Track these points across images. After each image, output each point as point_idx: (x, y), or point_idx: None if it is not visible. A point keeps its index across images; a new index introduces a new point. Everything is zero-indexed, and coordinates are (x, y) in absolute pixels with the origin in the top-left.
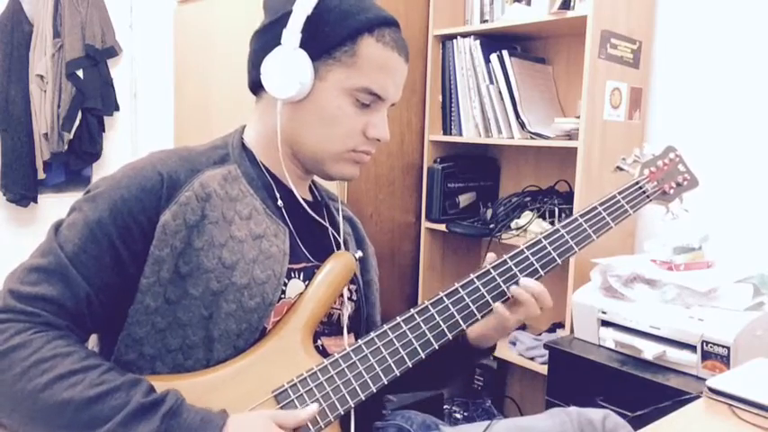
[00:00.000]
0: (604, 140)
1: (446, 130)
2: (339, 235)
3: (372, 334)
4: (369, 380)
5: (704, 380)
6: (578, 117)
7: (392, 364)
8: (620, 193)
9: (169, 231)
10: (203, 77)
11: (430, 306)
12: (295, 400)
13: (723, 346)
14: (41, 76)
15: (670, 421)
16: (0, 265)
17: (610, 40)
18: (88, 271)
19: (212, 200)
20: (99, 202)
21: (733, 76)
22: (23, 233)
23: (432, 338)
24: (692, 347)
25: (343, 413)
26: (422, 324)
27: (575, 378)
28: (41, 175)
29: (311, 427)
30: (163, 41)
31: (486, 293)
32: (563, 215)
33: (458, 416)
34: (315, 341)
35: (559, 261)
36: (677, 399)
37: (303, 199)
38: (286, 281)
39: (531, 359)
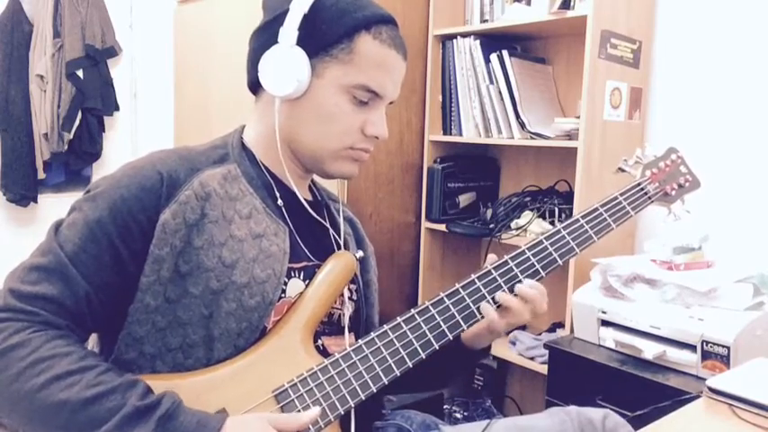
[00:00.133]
0: (604, 140)
1: (446, 130)
2: (339, 235)
3: (373, 334)
4: (369, 380)
5: (704, 380)
6: (578, 117)
7: (392, 365)
8: (621, 194)
9: (169, 230)
10: (203, 77)
11: (430, 306)
12: (295, 400)
13: (723, 346)
14: (41, 76)
15: (670, 421)
16: (0, 264)
17: (610, 40)
18: (88, 270)
19: (212, 199)
20: (99, 201)
21: (733, 75)
22: (23, 233)
23: (432, 339)
24: (692, 347)
25: (343, 413)
26: (422, 324)
27: (575, 378)
28: (41, 175)
29: (311, 426)
30: (163, 41)
31: (486, 294)
32: (563, 215)
33: (458, 416)
34: (315, 341)
35: (560, 262)
36: (677, 398)
37: (303, 198)
38: (286, 280)
39: (531, 359)
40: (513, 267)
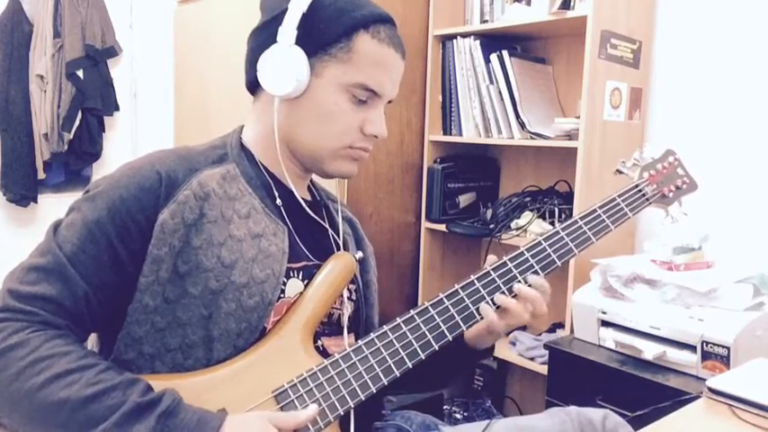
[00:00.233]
0: (604, 141)
1: (446, 130)
2: (338, 235)
3: (372, 334)
4: (369, 380)
5: (704, 380)
6: (578, 117)
7: (392, 365)
8: (619, 195)
9: (167, 230)
10: (203, 77)
11: (430, 307)
12: (295, 401)
13: (723, 347)
14: (41, 76)
15: (670, 421)
16: (0, 264)
17: (610, 40)
18: (87, 270)
19: (211, 199)
20: (97, 201)
21: (733, 75)
22: (23, 233)
23: (432, 339)
24: (692, 347)
25: (342, 413)
26: (422, 325)
27: (575, 378)
28: (41, 175)
29: (311, 427)
30: (163, 41)
31: (486, 295)
32: (563, 215)
33: (458, 416)
34: (315, 341)
35: (559, 263)
36: (677, 399)
37: (302, 198)
38: (285, 280)
39: (531, 359)
40: (513, 268)
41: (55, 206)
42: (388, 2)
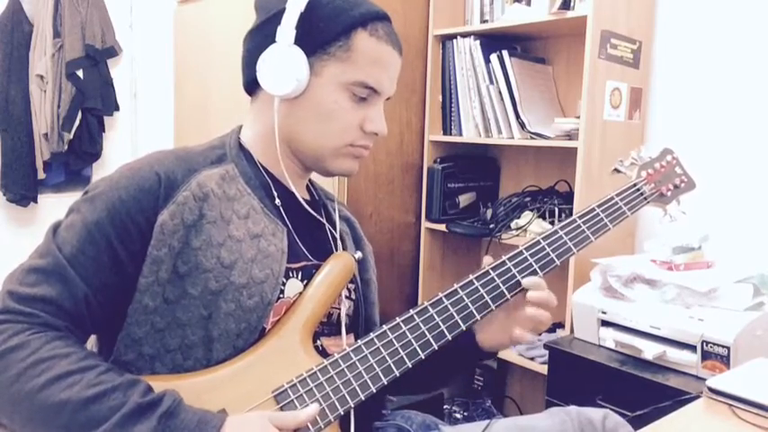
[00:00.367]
0: (604, 140)
1: (446, 130)
2: (336, 235)
3: (372, 334)
4: (368, 380)
5: (704, 380)
6: (578, 117)
7: (392, 365)
8: (617, 195)
9: (167, 231)
10: (203, 77)
11: (429, 307)
12: (295, 401)
13: (723, 346)
14: (41, 76)
15: (670, 421)
16: (0, 265)
17: (610, 40)
18: (86, 272)
19: (210, 199)
20: (97, 203)
21: (733, 75)
22: (23, 233)
23: (431, 339)
24: (692, 347)
25: (342, 413)
26: (421, 325)
27: (575, 378)
28: (41, 175)
29: (311, 427)
30: (163, 41)
31: (485, 294)
32: (563, 215)
33: (458, 416)
34: (314, 341)
35: (558, 262)
36: (677, 399)
37: (301, 198)
38: (284, 280)
39: (531, 359)
40: (512, 268)
41: (55, 206)
42: (388, 2)
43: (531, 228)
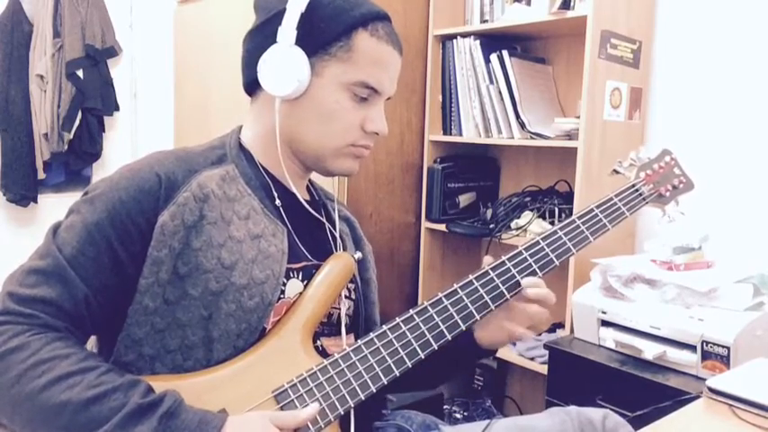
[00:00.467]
0: (604, 140)
1: (446, 130)
2: (336, 235)
3: (372, 334)
4: (368, 380)
5: (704, 380)
6: (578, 117)
7: (392, 365)
8: (616, 195)
9: (167, 232)
10: (203, 77)
11: (429, 307)
12: (295, 401)
13: (723, 346)
14: (41, 76)
15: (670, 421)
16: (0, 265)
17: (610, 40)
18: (86, 273)
19: (210, 200)
20: (97, 204)
21: (733, 75)
22: (23, 233)
23: (431, 339)
24: (692, 347)
25: (342, 413)
26: (421, 324)
27: (575, 378)
28: (41, 175)
29: (311, 426)
30: (163, 41)
31: (484, 294)
32: (563, 215)
33: (458, 416)
34: (314, 342)
35: (557, 262)
36: (677, 399)
37: (302, 198)
38: (285, 281)
39: (531, 359)
40: (511, 268)
41: (55, 206)
42: (389, 2)
43: (531, 228)
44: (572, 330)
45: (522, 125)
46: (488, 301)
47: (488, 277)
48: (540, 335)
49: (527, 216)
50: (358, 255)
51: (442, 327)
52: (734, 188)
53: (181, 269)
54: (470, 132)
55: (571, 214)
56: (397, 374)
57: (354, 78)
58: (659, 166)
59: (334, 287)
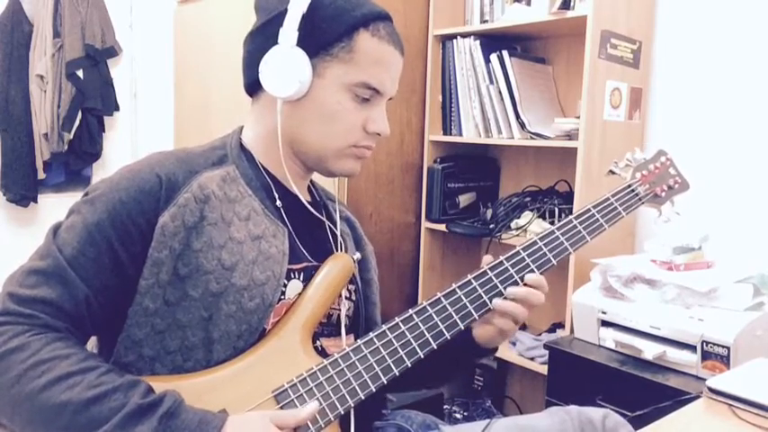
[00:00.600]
0: (604, 140)
1: (446, 130)
2: (337, 236)
3: (371, 334)
4: (368, 379)
5: (704, 380)
6: (578, 117)
7: (391, 364)
8: (613, 195)
9: (168, 233)
10: (203, 77)
11: (428, 306)
12: (295, 400)
13: (723, 346)
14: (41, 76)
15: (670, 421)
16: (0, 265)
17: (610, 40)
18: (87, 273)
19: (211, 201)
20: (97, 204)
21: (733, 75)
22: (23, 233)
23: (430, 338)
24: (692, 347)
25: (342, 413)
26: (420, 324)
27: (575, 378)
28: (41, 175)
29: (311, 426)
30: (163, 41)
31: (483, 294)
32: (563, 215)
33: (458, 416)
34: (314, 342)
35: (554, 262)
36: (677, 399)
37: (304, 199)
38: (285, 282)
39: (531, 359)
40: (509, 267)
41: (55, 206)
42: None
43: (531, 228)
44: (572, 330)
45: (522, 125)
46: (487, 300)
47: (487, 277)
48: (539, 335)
49: (527, 216)
50: (357, 255)
51: (441, 326)
52: (734, 188)
53: (181, 270)
54: (470, 132)
55: (571, 214)
56: (397, 374)
57: (356, 79)
58: (655, 167)
59: (333, 288)
